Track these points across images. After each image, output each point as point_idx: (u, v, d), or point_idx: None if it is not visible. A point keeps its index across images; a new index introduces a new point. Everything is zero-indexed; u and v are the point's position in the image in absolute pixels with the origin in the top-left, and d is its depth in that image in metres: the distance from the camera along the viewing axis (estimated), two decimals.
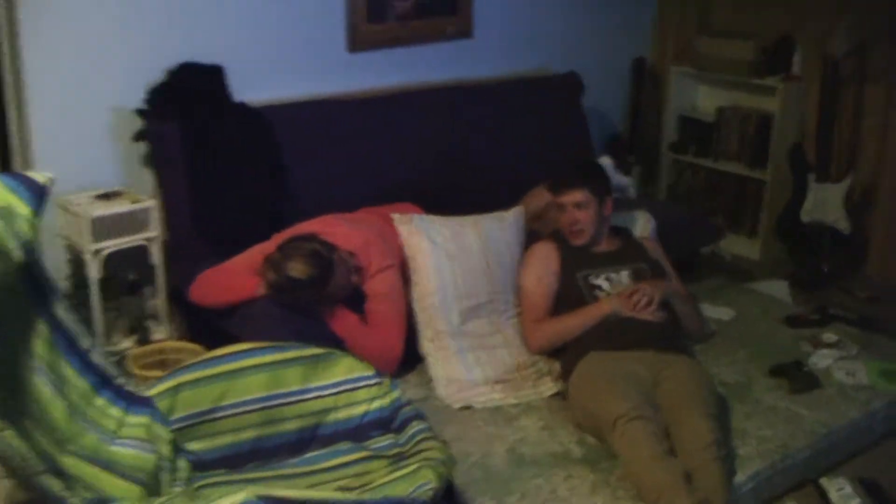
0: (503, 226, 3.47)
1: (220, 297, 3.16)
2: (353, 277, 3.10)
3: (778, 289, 4.42)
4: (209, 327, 3.23)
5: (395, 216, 3.33)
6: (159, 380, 2.31)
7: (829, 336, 3.55)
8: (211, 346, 3.30)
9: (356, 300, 3.15)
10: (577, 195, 3.33)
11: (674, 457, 2.60)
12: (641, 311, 3.16)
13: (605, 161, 4.24)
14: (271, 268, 2.96)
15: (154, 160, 3.54)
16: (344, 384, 2.38)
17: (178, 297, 3.40)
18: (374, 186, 3.73)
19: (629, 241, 3.54)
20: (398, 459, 2.24)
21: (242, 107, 3.65)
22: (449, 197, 3.75)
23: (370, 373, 2.41)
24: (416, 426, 2.31)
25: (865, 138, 4.60)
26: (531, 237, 3.59)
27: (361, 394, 2.38)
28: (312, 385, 2.35)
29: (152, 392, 2.27)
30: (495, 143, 4.17)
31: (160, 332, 3.49)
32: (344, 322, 3.07)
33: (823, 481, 2.89)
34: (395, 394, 2.41)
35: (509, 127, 4.25)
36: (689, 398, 2.82)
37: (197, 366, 2.32)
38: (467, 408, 3.03)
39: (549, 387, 3.16)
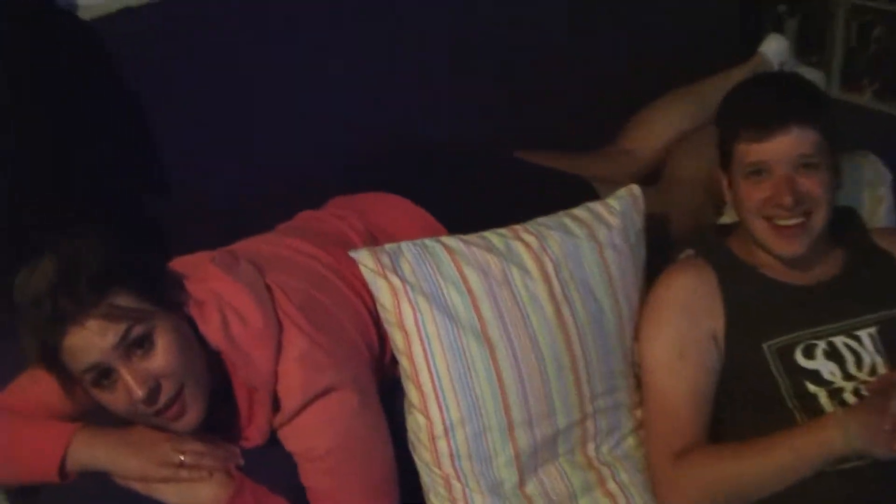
0: (601, 235, 1.63)
1: None
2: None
3: None
4: None
5: (357, 255, 1.51)
6: None
7: None
8: None
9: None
10: (805, 140, 1.51)
11: None
12: None
13: (777, 44, 2.30)
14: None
15: None
16: None
17: None
18: (320, 155, 1.90)
19: (865, 248, 1.66)
20: None
21: (70, 20, 1.80)
22: (472, 159, 1.92)
23: None
24: None
25: None
26: (658, 248, 1.75)
27: None
28: None
29: None
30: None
31: None
32: None
33: None
34: None
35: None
36: None
37: None
38: None
39: None
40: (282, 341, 1.38)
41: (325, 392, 1.37)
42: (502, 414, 1.49)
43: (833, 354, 1.52)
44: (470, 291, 1.51)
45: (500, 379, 1.49)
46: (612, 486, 1.57)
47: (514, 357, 1.50)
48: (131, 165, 1.79)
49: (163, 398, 1.27)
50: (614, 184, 1.82)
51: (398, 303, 1.48)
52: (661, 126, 2.14)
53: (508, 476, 1.51)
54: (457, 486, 1.49)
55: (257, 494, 1.38)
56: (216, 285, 1.39)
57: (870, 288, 1.59)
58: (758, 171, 1.53)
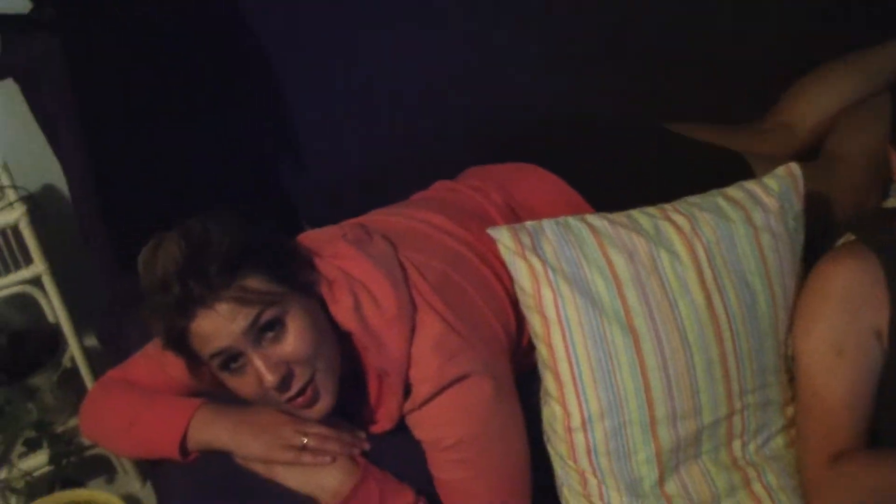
0: (757, 218, 1.50)
1: (119, 444, 1.45)
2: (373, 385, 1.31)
3: None
4: None
5: (495, 232, 1.42)
6: None
7: None
8: None
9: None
10: None
11: None
12: None
13: None
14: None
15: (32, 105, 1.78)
16: None
17: None
18: (458, 125, 1.81)
19: None
20: None
21: None
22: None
23: None
24: None
25: None
26: (816, 232, 1.61)
27: None
28: None
29: None
30: None
31: None
32: None
33: None
34: None
35: None
36: None
37: None
38: None
39: None
40: (415, 324, 1.31)
41: (459, 379, 1.30)
42: (645, 408, 1.40)
43: None
44: (615, 276, 1.41)
45: (643, 371, 1.39)
46: (758, 488, 1.47)
47: (659, 348, 1.40)
48: (260, 138, 1.74)
49: (295, 385, 1.22)
50: (771, 159, 1.69)
51: (538, 286, 1.39)
52: (822, 98, 1.98)
53: (648, 474, 1.42)
54: (592, 481, 1.41)
55: (382, 482, 1.32)
56: (347, 264, 1.33)
57: None
58: None
